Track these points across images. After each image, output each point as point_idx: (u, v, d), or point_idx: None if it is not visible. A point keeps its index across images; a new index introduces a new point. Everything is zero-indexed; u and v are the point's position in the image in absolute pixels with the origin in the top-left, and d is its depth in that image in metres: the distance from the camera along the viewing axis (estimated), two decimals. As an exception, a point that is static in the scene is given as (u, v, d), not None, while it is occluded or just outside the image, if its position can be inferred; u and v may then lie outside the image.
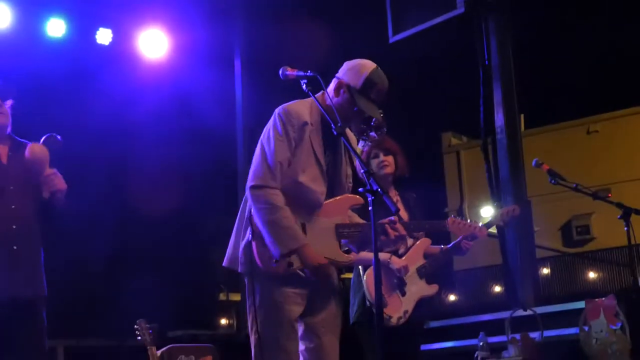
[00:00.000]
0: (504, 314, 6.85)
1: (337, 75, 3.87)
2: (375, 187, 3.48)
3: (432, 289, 4.78)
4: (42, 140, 3.98)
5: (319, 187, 3.76)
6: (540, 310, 6.74)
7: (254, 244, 3.65)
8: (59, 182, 3.95)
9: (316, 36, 8.15)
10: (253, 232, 3.65)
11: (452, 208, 16.39)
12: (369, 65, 3.82)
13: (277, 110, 3.79)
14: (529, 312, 6.68)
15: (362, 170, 3.57)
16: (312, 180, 3.75)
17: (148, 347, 5.63)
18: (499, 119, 7.89)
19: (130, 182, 8.35)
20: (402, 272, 4.63)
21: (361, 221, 3.93)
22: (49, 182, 3.91)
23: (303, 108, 3.81)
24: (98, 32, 8.32)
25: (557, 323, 6.64)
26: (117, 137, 8.29)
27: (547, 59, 12.42)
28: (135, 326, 5.69)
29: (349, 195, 3.88)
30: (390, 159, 4.90)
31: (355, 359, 4.63)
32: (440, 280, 4.88)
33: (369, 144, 4.80)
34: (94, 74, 8.34)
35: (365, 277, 4.59)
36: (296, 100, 3.86)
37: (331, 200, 3.80)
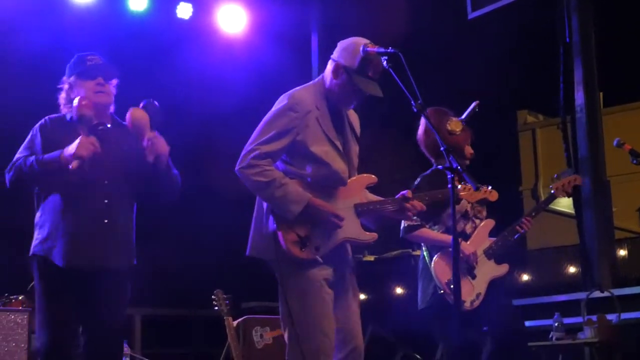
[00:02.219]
0: (580, 295, 6.79)
1: (332, 57, 3.91)
2: (455, 165, 3.51)
3: (503, 269, 4.77)
4: (140, 106, 4.09)
5: (340, 166, 3.83)
6: (618, 292, 6.65)
7: (279, 233, 3.70)
8: (162, 145, 4.05)
9: (394, 13, 8.11)
10: (277, 220, 3.71)
11: (527, 187, 16.16)
12: (362, 42, 3.84)
13: (283, 96, 3.86)
14: (605, 293, 6.60)
15: (442, 148, 3.58)
16: (332, 160, 3.81)
17: (225, 317, 5.76)
18: (579, 97, 7.76)
19: (207, 158, 8.47)
20: (470, 259, 4.64)
21: (376, 198, 3.97)
22: (151, 146, 4.00)
23: (308, 94, 3.85)
24: (179, 6, 8.42)
25: (634, 305, 6.54)
26: (195, 112, 8.40)
27: (629, 37, 12.10)
28: (212, 296, 5.82)
29: (364, 174, 3.96)
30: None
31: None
32: (512, 259, 4.87)
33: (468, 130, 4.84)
34: (173, 49, 8.45)
35: (433, 264, 4.60)
36: (302, 86, 3.92)
37: (347, 182, 3.87)
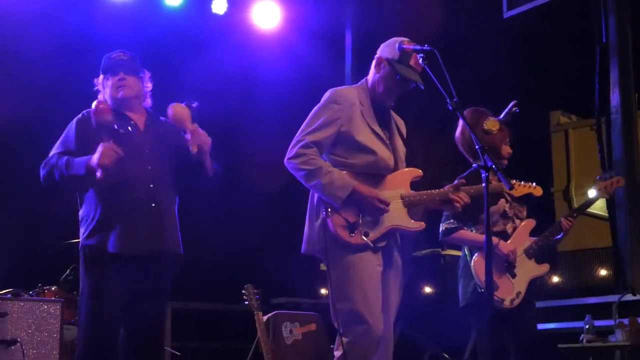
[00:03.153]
0: (612, 298, 6.74)
1: (374, 57, 4.10)
2: (489, 164, 3.54)
3: (543, 269, 4.81)
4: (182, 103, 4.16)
5: (385, 154, 3.94)
6: (650, 295, 6.60)
7: (329, 219, 3.77)
8: (204, 137, 4.12)
9: (429, 11, 8.10)
10: (326, 207, 3.77)
11: (558, 188, 16.04)
12: (402, 38, 4.02)
13: (327, 91, 4.05)
14: (638, 296, 6.55)
15: (477, 146, 3.62)
16: (377, 148, 3.94)
17: (255, 312, 5.79)
18: (615, 98, 7.68)
19: (242, 153, 8.52)
20: (510, 257, 4.66)
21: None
22: (193, 138, 4.08)
23: (352, 91, 4.05)
24: (214, 2, 8.45)
25: (667, 309, 6.48)
26: (229, 108, 8.43)
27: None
28: (242, 291, 5.85)
29: (411, 168, 4.07)
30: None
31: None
32: (546, 260, 4.88)
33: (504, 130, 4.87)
34: (207, 44, 8.49)
35: (472, 263, 4.62)
36: (345, 86, 4.13)
37: (393, 174, 3.99)
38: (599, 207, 10.35)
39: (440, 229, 4.74)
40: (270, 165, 9.02)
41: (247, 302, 5.83)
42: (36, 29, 7.28)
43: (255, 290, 5.84)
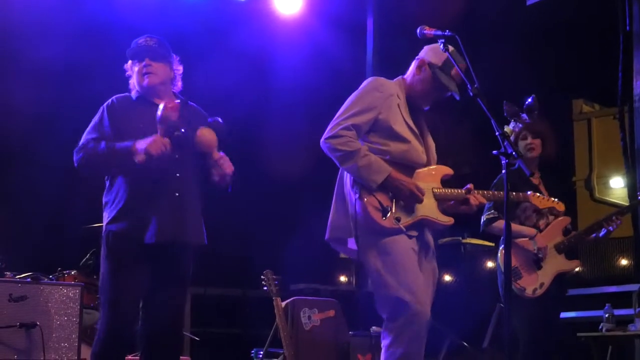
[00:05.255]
0: (632, 287, 6.72)
1: (417, 57, 4.15)
2: (510, 150, 3.54)
3: (572, 265, 4.90)
4: (210, 122, 4.17)
5: (418, 146, 3.94)
6: (671, 285, 6.56)
7: (362, 201, 3.75)
8: (228, 166, 4.13)
9: (451, -2, 8.06)
10: (360, 190, 3.78)
11: (580, 177, 15.93)
12: (449, 47, 4.00)
13: (368, 79, 4.10)
14: (658, 286, 6.52)
15: (497, 133, 3.62)
16: (411, 139, 3.99)
17: (274, 298, 5.80)
18: (638, 86, 7.61)
19: (263, 140, 8.53)
20: (540, 251, 4.73)
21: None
22: (218, 166, 4.09)
23: (392, 84, 4.10)
24: (235, -12, 8.44)
25: (688, 299, 6.45)
26: (250, 94, 8.44)
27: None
28: (261, 277, 5.87)
29: (442, 165, 4.11)
30: (537, 142, 4.98)
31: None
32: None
33: (520, 125, 4.93)
34: (228, 30, 8.49)
35: (499, 253, 4.70)
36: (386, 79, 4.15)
37: (425, 169, 4.03)
38: (621, 197, 10.29)
39: (482, 220, 4.87)
40: (290, 152, 9.07)
41: (266, 288, 5.84)
42: (57, 16, 7.31)
43: (275, 276, 5.85)
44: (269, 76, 8.86)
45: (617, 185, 15.32)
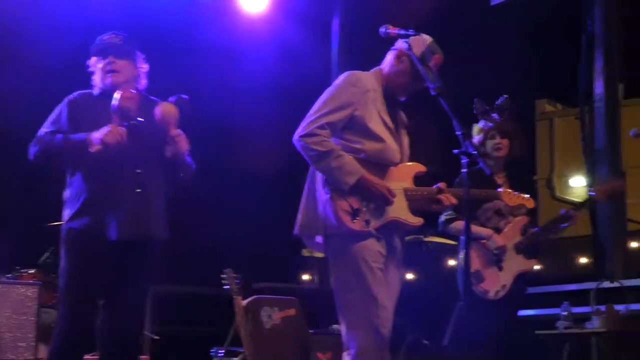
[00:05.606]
0: (590, 285, 6.78)
1: (393, 47, 4.08)
2: (470, 150, 3.56)
3: (531, 264, 4.93)
4: (172, 101, 4.13)
5: (394, 146, 3.92)
6: (628, 283, 6.64)
7: (332, 203, 3.78)
8: (182, 144, 4.10)
9: (416, -3, 8.09)
10: (330, 191, 3.77)
11: (541, 176, 16.09)
12: (426, 37, 4.01)
13: (344, 73, 4.01)
14: (615, 284, 6.59)
15: (458, 132, 3.64)
16: (386, 138, 3.94)
17: (234, 297, 5.78)
18: (599, 87, 7.71)
19: (226, 137, 8.50)
20: (499, 251, 4.75)
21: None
22: (172, 143, 4.07)
23: (368, 76, 4.02)
24: (200, -15, 8.38)
25: (645, 297, 6.54)
26: (216, 92, 8.40)
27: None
28: (222, 275, 5.84)
29: (415, 163, 4.08)
30: (505, 142, 5.00)
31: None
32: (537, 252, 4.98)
33: (490, 124, 4.95)
34: (193, 28, 8.44)
35: (461, 254, 4.70)
36: (360, 72, 4.07)
37: (398, 166, 3.99)
38: (581, 196, 10.38)
39: (441, 219, 4.87)
40: (255, 149, 9.04)
41: (226, 287, 5.81)
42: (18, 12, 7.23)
43: (235, 275, 5.83)
44: (235, 73, 8.83)
45: (577, 185, 15.51)
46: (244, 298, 5.95)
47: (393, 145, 3.97)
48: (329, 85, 4.06)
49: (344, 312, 3.82)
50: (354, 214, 3.79)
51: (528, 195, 4.66)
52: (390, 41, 4.09)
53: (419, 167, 4.04)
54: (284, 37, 8.93)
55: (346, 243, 3.81)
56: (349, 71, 4.03)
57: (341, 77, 4.00)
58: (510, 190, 4.55)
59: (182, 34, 8.31)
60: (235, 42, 8.79)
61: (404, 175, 3.99)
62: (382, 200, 3.83)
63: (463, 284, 3.88)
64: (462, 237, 4.83)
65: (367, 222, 3.80)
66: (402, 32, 3.93)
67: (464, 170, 3.58)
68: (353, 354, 3.78)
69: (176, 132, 4.09)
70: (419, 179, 4.04)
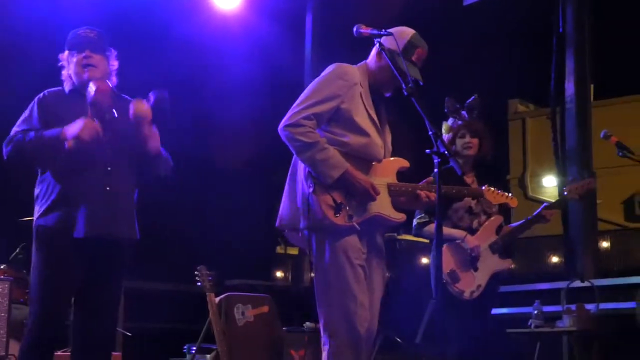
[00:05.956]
0: (561, 284, 6.85)
1: (376, 42, 3.98)
2: (442, 150, 3.56)
3: (506, 264, 4.94)
4: (152, 98, 4.09)
5: (378, 141, 3.90)
6: (598, 282, 6.71)
7: (315, 196, 3.74)
8: (155, 141, 4.09)
9: (390, -4, 8.12)
10: (314, 183, 3.75)
11: (514, 176, 16.24)
12: (409, 30, 3.97)
13: (332, 65, 3.95)
14: (586, 283, 6.66)
15: (430, 132, 3.64)
16: (372, 133, 3.89)
17: (207, 294, 5.76)
18: (570, 88, 7.78)
19: (201, 133, 8.48)
20: (474, 251, 4.76)
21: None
22: (145, 140, 4.05)
23: (355, 70, 3.97)
24: (173, -19, 8.37)
25: (614, 296, 6.61)
26: (191, 88, 8.39)
27: (624, 30, 12.13)
28: (195, 272, 5.83)
29: (399, 158, 4.03)
30: (475, 141, 5.01)
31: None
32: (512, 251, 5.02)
33: (459, 122, 4.96)
34: (167, 24, 8.42)
35: (434, 254, 4.71)
36: (347, 65, 4.01)
37: (382, 162, 3.95)
38: (553, 195, 10.48)
39: (414, 223, 4.87)
40: (229, 145, 9.04)
41: (200, 284, 5.80)
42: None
43: (208, 272, 5.82)
44: (209, 70, 8.82)
45: (549, 184, 15.67)
46: (217, 295, 5.95)
47: (378, 140, 3.93)
48: (302, 80, 4.05)
49: (323, 307, 3.81)
50: (337, 208, 3.75)
51: (510, 195, 4.68)
52: (366, 38, 4.07)
53: (403, 163, 4.01)
54: (258, 33, 8.93)
55: (328, 238, 3.78)
56: (337, 63, 3.97)
57: (329, 69, 3.94)
58: (493, 189, 4.57)
59: (156, 31, 8.29)
60: (209, 38, 8.78)
61: (387, 170, 3.96)
62: (366, 196, 3.82)
63: (435, 283, 3.88)
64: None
65: (350, 217, 3.77)
66: (375, 32, 3.88)
67: (436, 170, 3.59)
68: (329, 350, 3.79)
69: (149, 129, 4.10)
70: (402, 175, 4.03)
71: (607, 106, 15.44)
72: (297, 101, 3.88)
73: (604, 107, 15.35)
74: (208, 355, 5.89)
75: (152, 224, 4.65)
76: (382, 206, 3.87)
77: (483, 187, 4.55)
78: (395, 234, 8.07)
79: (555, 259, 11.25)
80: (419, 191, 3.93)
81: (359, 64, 4.04)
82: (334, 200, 3.75)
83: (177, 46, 8.34)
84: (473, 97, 5.19)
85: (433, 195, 3.95)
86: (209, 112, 8.81)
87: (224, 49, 8.83)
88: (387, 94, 4.05)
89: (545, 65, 8.20)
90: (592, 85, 8.29)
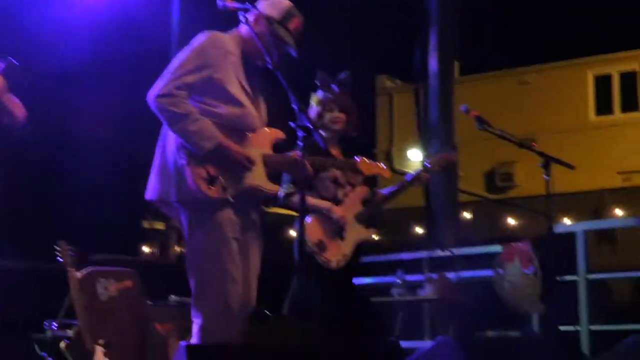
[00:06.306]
0: (423, 254, 7.03)
1: (252, 9, 3.92)
2: (306, 123, 3.58)
3: (370, 233, 4.99)
4: (1, 66, 3.92)
5: (252, 111, 3.85)
6: (458, 251, 6.93)
7: (188, 168, 3.68)
8: (18, 108, 3.93)
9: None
10: (187, 155, 3.69)
11: (381, 150, 16.57)
12: (285, 1, 3.95)
13: (203, 33, 3.85)
14: (447, 252, 6.86)
15: (295, 106, 3.64)
16: (244, 104, 3.83)
17: (68, 269, 5.62)
18: (433, 64, 7.97)
19: (57, 109, 8.22)
20: (341, 221, 4.81)
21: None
22: (7, 110, 3.88)
23: (228, 39, 3.88)
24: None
25: (474, 265, 6.84)
26: (51, 64, 8.11)
27: (490, 7, 12.50)
28: (56, 247, 5.66)
29: (274, 129, 3.99)
30: (343, 116, 5.02)
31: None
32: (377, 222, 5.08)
33: (329, 95, 4.97)
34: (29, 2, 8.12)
35: (305, 225, 4.71)
36: (219, 32, 3.92)
37: (257, 133, 3.89)
38: (415, 168, 10.72)
39: (280, 194, 4.84)
40: (90, 118, 8.81)
41: (60, 260, 5.65)
42: None
43: (69, 247, 5.67)
44: (73, 44, 8.54)
45: (414, 158, 16.07)
46: (79, 270, 5.80)
47: (252, 111, 3.86)
48: (169, 50, 3.96)
49: (194, 282, 3.76)
50: (211, 180, 3.69)
51: (383, 165, 4.69)
52: (229, 14, 4.02)
53: (278, 134, 3.96)
54: (124, 5, 8.72)
55: (202, 211, 3.71)
56: (209, 31, 3.87)
57: (201, 37, 3.83)
58: (366, 159, 4.61)
59: (7, 7, 7.97)
60: (72, 11, 8.51)
61: (262, 141, 3.91)
62: (240, 168, 3.77)
63: (298, 254, 3.89)
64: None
65: (224, 190, 3.70)
66: (239, 5, 3.85)
67: (300, 143, 3.61)
68: (199, 324, 3.75)
69: (7, 97, 3.92)
70: (277, 146, 4.00)
71: (472, 82, 15.94)
72: (167, 70, 3.77)
73: (470, 83, 15.85)
74: (69, 331, 5.76)
75: (8, 197, 4.49)
76: (257, 178, 3.83)
77: (357, 158, 4.59)
78: (263, 207, 8.08)
79: (420, 230, 11.55)
80: (299, 161, 3.91)
81: (231, 32, 3.95)
82: (208, 173, 3.68)
83: (38, 18, 8.05)
84: (345, 72, 5.20)
85: (308, 166, 3.97)
86: (71, 84, 8.56)
87: (87, 22, 8.58)
88: (261, 64, 3.98)
89: (412, 42, 8.36)
90: (457, 63, 8.54)
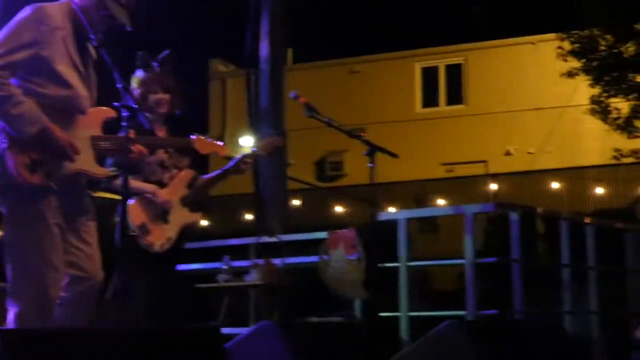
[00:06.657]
0: (251, 240, 7.07)
1: None
2: (130, 103, 3.51)
3: (195, 217, 4.95)
4: None
5: (82, 92, 3.70)
6: (285, 238, 7.01)
7: (9, 153, 3.51)
8: None
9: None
10: (8, 140, 3.52)
11: (213, 134, 16.47)
12: None
13: (29, 7, 3.64)
14: (274, 239, 6.93)
15: (119, 85, 3.57)
16: (75, 84, 3.67)
17: None
18: (264, 49, 7.99)
19: None
20: (165, 205, 4.75)
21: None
22: None
23: (57, 11, 3.68)
24: None
25: (301, 251, 6.94)
26: None
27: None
28: None
29: (104, 107, 3.85)
30: (167, 97, 4.94)
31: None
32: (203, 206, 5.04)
33: (150, 75, 4.85)
34: None
35: (128, 207, 4.62)
36: (48, 3, 3.73)
37: (86, 114, 3.74)
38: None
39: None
40: None
41: None
42: None
43: None
44: None
45: (246, 144, 16.11)
46: None
47: (82, 91, 3.68)
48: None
49: (11, 269, 3.58)
50: (33, 166, 3.52)
51: (220, 142, 4.65)
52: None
53: (108, 113, 3.80)
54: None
55: (22, 197, 3.54)
56: (35, 4, 3.64)
57: (26, 11, 3.60)
58: (203, 137, 4.55)
59: None
60: None
61: (91, 122, 3.75)
62: (64, 155, 3.60)
63: (120, 238, 3.82)
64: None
65: (47, 176, 3.55)
66: None
67: (124, 123, 3.54)
68: (15, 312, 3.59)
69: None
70: (108, 125, 3.87)
71: (305, 70, 16.13)
72: None
73: (302, 71, 16.03)
74: None
75: None
76: (84, 162, 3.68)
77: (193, 137, 4.52)
78: (90, 192, 7.86)
79: (249, 217, 11.60)
80: (130, 145, 3.80)
81: (60, 2, 3.74)
82: (30, 158, 3.52)
83: None
84: (166, 51, 5.14)
85: (139, 147, 3.88)
86: None
87: None
88: (93, 36, 3.82)
89: (244, 26, 8.34)
90: (291, 50, 8.60)
